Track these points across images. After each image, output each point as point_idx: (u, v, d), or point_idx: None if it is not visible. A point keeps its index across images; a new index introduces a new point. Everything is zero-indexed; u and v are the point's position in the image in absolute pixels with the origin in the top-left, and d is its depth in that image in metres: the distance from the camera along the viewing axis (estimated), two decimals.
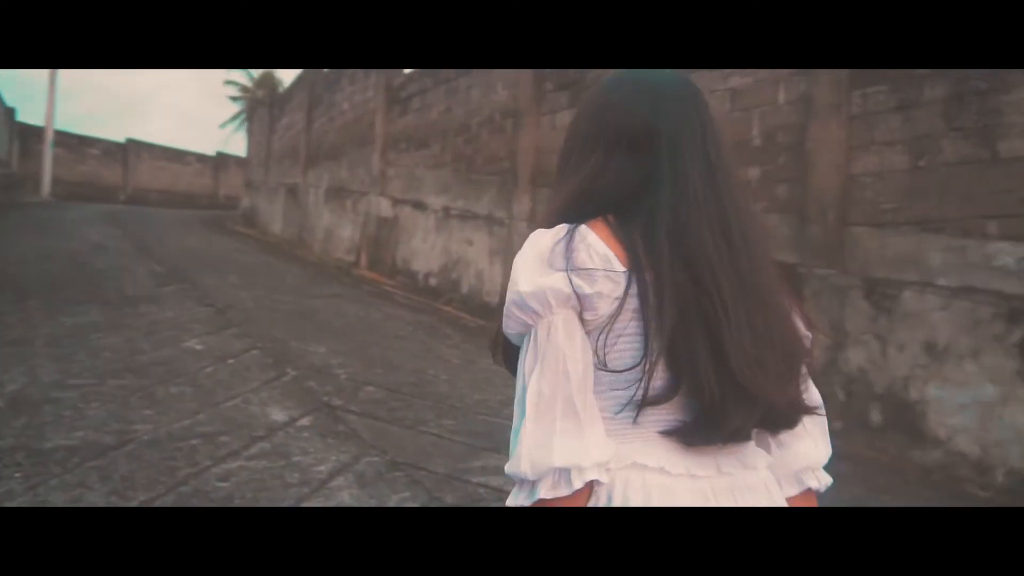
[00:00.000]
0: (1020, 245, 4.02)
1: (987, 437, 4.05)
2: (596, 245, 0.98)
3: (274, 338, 6.10)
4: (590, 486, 0.95)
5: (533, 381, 0.95)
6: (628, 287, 0.97)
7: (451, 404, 4.87)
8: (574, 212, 1.04)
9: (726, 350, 0.96)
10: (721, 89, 5.67)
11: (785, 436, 1.11)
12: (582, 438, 0.94)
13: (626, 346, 0.97)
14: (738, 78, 5.55)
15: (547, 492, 0.93)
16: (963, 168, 4.28)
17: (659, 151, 1.05)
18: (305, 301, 8.13)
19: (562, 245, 0.99)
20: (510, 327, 1.01)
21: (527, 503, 0.95)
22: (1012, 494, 3.87)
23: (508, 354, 1.06)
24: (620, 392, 0.98)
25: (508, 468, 0.96)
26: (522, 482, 0.96)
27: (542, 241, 1.01)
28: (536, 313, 0.97)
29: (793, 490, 1.12)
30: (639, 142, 1.06)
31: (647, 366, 0.96)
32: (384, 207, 11.37)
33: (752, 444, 1.06)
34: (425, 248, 9.99)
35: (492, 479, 3.60)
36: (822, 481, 1.13)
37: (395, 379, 5.35)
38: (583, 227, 1.00)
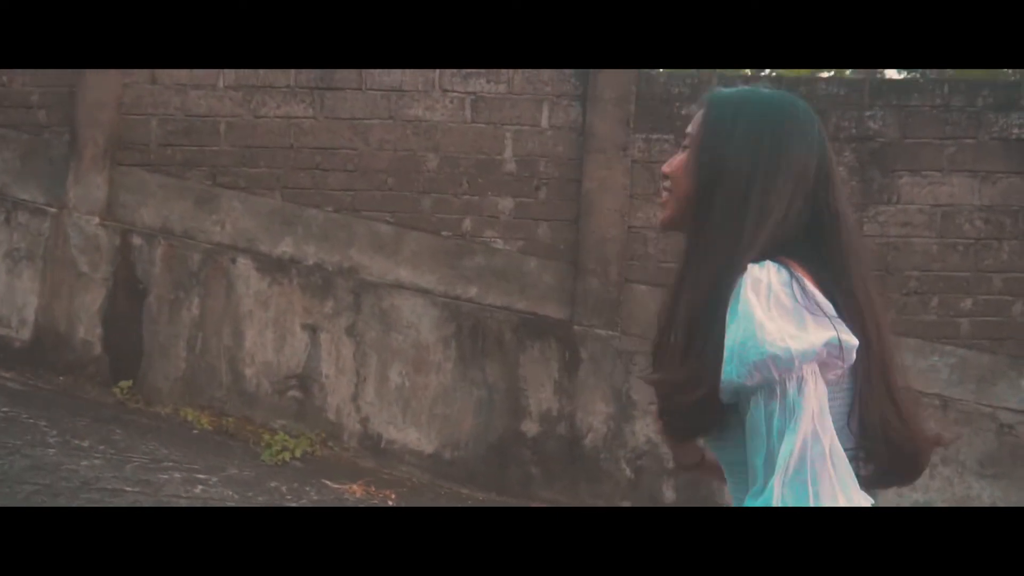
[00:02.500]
0: None
1: None
2: (817, 293, 1.02)
3: None
4: None
5: (800, 439, 0.94)
6: None
7: None
8: (760, 254, 1.04)
9: (897, 405, 1.05)
10: (459, 92, 4.53)
11: None
12: (858, 490, 0.99)
13: (839, 402, 1.02)
14: (484, 82, 4.51)
15: None
16: None
17: (827, 191, 1.10)
18: None
19: (798, 289, 1.00)
20: (744, 385, 0.97)
21: None
22: None
23: (712, 416, 1.03)
24: None
25: None
26: None
27: (772, 279, 1.00)
28: (791, 369, 0.95)
29: None
30: (813, 179, 1.10)
31: (853, 423, 1.03)
32: None
33: None
34: None
35: None
36: None
37: None
38: (795, 270, 1.03)
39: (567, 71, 4.45)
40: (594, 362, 4.33)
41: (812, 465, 0.94)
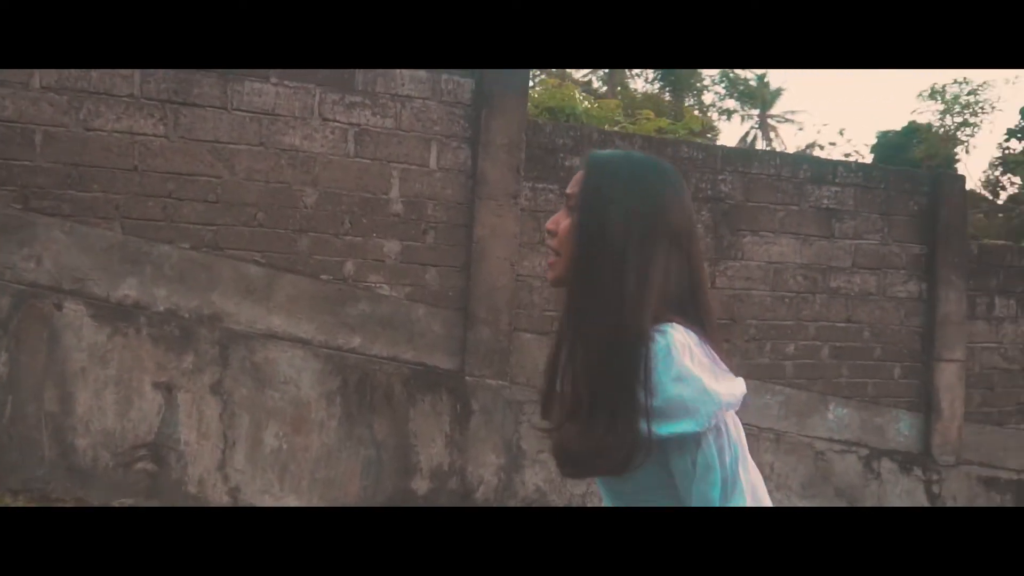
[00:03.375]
0: None
1: None
2: (713, 351, 1.16)
3: None
4: None
5: (742, 470, 1.12)
6: None
7: None
8: (655, 317, 1.13)
9: None
10: (342, 122, 4.13)
11: None
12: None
13: None
14: (369, 114, 4.16)
15: None
16: None
17: (692, 252, 1.21)
18: None
19: (708, 349, 1.15)
20: (685, 424, 1.09)
21: None
22: None
23: (625, 465, 1.12)
24: None
25: None
26: None
27: (689, 342, 1.12)
28: (731, 413, 1.12)
29: None
30: (686, 240, 1.20)
31: None
32: None
33: None
34: None
35: None
36: None
37: None
38: (692, 330, 1.15)
39: (457, 111, 4.30)
40: (485, 413, 4.24)
41: (754, 481, 1.14)
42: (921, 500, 5.08)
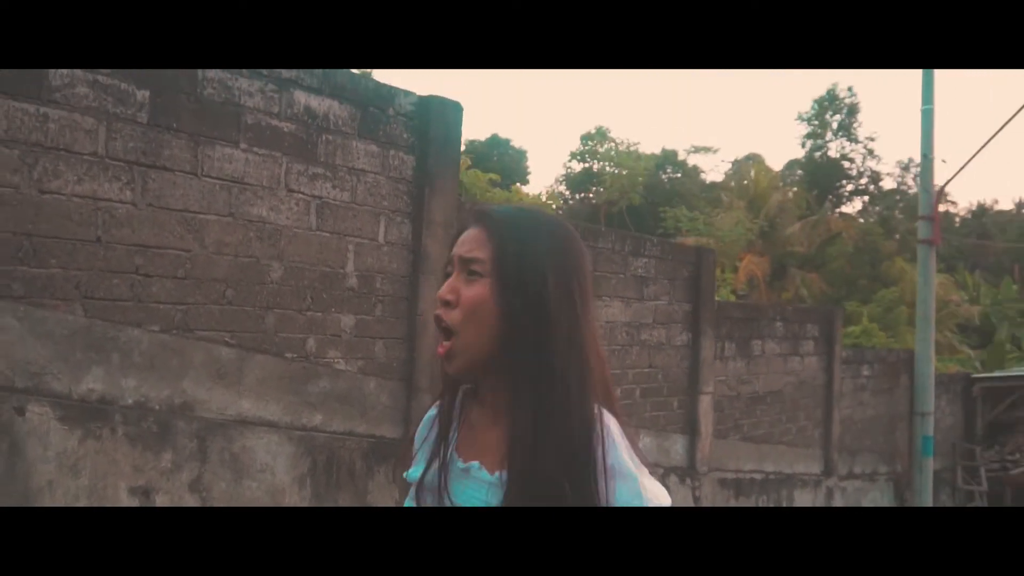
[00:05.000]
0: None
1: None
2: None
3: None
4: None
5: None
6: None
7: None
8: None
9: None
10: (305, 194, 3.98)
11: None
12: None
13: None
14: (330, 186, 4.07)
15: None
16: None
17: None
18: None
19: (629, 438, 1.08)
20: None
21: None
22: None
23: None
24: None
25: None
26: None
27: (617, 433, 1.07)
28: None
29: None
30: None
31: None
32: None
33: None
34: None
35: None
36: None
37: None
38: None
39: (400, 187, 4.42)
40: None
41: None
42: (689, 504, 6.54)
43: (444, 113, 4.56)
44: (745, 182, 25.66)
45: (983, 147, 8.59)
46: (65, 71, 3.17)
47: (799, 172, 32.09)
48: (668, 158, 31.45)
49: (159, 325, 3.47)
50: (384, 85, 4.37)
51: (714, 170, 36.97)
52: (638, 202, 26.48)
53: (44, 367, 3.13)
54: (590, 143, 30.50)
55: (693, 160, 32.74)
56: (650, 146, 46.51)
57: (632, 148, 29.62)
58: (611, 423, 1.06)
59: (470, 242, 1.10)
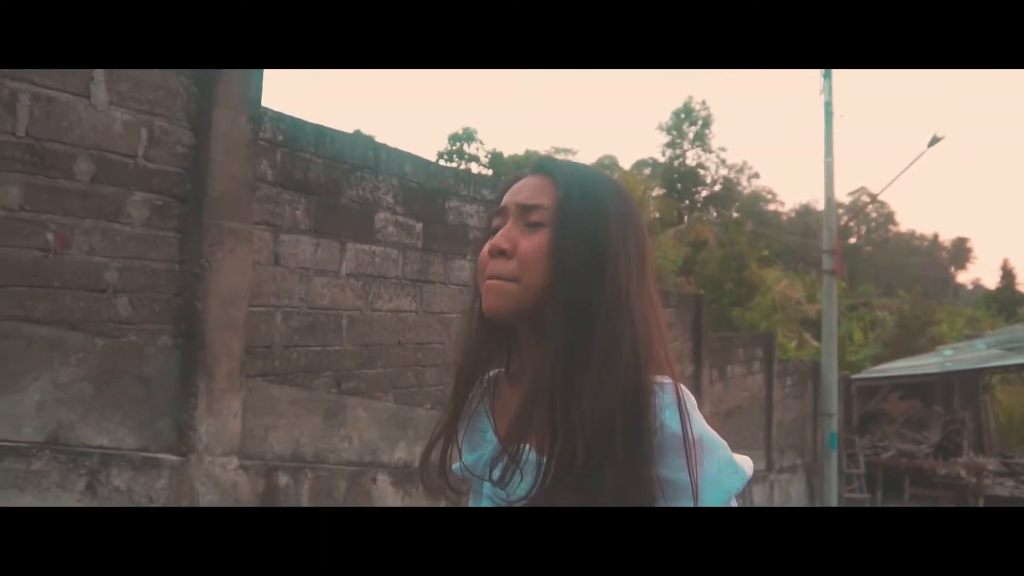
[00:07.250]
0: None
1: None
2: None
3: None
4: None
5: None
6: None
7: None
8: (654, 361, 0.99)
9: None
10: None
11: None
12: None
13: None
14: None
15: None
16: None
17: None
18: None
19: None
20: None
21: None
22: None
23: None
24: None
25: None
26: None
27: (693, 403, 0.99)
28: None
29: None
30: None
31: None
32: None
33: None
34: None
35: None
36: None
37: None
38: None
39: None
40: None
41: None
42: None
43: None
44: None
45: (884, 189, 10.68)
46: (384, 215, 4.13)
47: (647, 170, 34.69)
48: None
49: (431, 403, 4.49)
50: None
51: None
52: None
53: (377, 445, 4.11)
54: (457, 143, 31.73)
55: None
56: (513, 147, 48.39)
57: (495, 150, 31.28)
58: (686, 394, 0.96)
59: (530, 189, 1.03)
